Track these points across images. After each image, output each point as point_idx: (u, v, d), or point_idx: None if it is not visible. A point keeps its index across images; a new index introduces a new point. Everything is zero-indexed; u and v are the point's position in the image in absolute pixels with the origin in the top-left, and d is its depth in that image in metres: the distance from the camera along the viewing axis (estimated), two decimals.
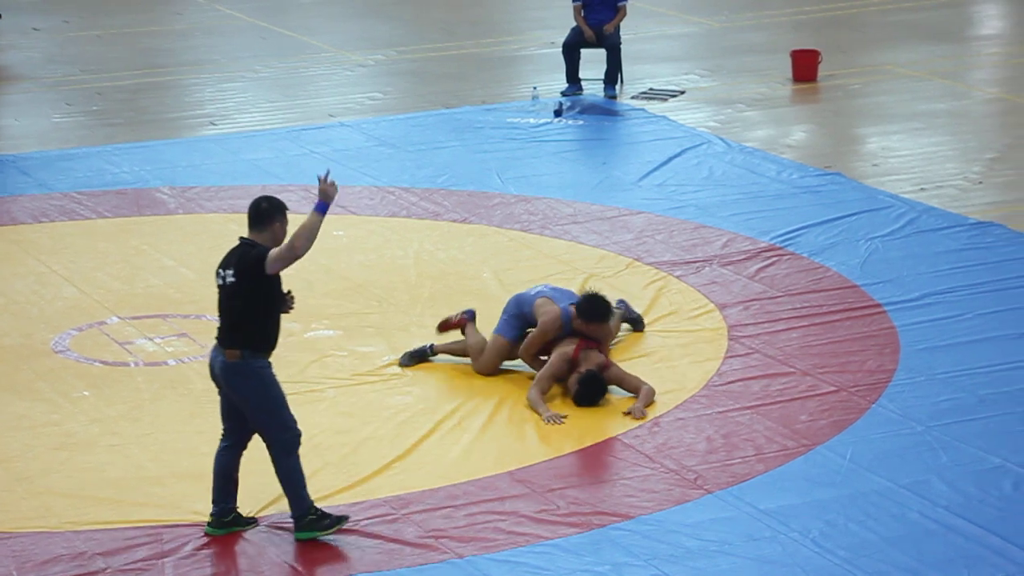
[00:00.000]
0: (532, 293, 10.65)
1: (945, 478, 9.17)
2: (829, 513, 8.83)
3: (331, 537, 8.67)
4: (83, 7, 22.42)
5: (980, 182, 14.60)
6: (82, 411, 10.24)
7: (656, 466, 9.40)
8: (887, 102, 17.26)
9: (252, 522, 8.77)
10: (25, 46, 20.27)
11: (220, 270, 8.59)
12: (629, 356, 10.86)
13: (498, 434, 9.88)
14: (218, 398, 8.74)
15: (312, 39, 20.39)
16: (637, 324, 11.25)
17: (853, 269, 12.29)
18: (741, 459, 9.45)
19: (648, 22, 20.68)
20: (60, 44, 20.42)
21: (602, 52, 17.36)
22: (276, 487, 9.16)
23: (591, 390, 10.11)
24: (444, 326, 10.93)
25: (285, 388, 10.43)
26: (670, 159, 15.08)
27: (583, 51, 17.39)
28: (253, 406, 8.53)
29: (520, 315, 10.60)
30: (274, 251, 8.44)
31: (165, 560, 8.52)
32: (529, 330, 10.61)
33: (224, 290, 8.54)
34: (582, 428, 9.92)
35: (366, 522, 8.83)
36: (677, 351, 10.95)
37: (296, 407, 10.18)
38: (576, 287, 11.51)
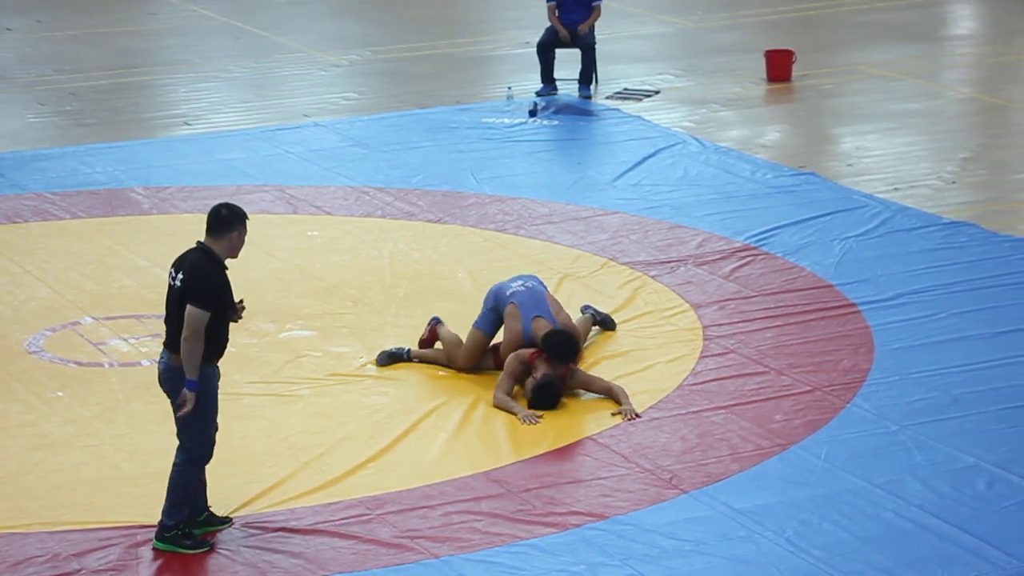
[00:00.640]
0: (507, 292, 10.62)
1: (919, 477, 9.19)
2: (804, 512, 8.85)
3: (306, 538, 8.65)
4: (56, 7, 22.34)
5: (954, 182, 14.65)
6: (56, 412, 10.21)
7: (631, 466, 9.41)
8: (861, 102, 17.30)
9: (227, 521, 8.74)
10: None
11: (172, 270, 8.50)
12: (603, 356, 10.87)
13: (474, 434, 9.88)
14: None
15: (286, 39, 20.36)
16: (607, 324, 11.25)
17: (827, 269, 12.31)
18: (716, 459, 9.46)
19: (623, 22, 20.70)
20: (33, 44, 20.34)
21: (577, 52, 17.36)
22: (248, 489, 9.15)
23: (546, 395, 10.08)
24: (423, 344, 10.93)
25: (259, 388, 10.45)
26: (645, 159, 15.10)
27: (558, 51, 17.40)
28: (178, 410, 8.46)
29: (496, 310, 10.61)
30: (192, 321, 8.24)
31: (139, 561, 8.49)
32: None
33: (173, 292, 8.46)
34: (558, 428, 9.92)
35: (341, 522, 8.82)
36: (652, 351, 10.96)
37: (271, 407, 10.19)
38: (552, 286, 11.51)
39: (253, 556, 8.54)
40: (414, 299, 11.86)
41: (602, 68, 17.74)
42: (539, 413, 10.02)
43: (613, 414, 10.03)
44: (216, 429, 8.58)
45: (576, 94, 17.28)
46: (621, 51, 19.36)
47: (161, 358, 8.53)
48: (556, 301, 10.70)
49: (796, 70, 17.99)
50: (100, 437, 9.87)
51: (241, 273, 12.30)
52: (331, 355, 10.96)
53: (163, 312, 11.59)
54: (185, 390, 8.33)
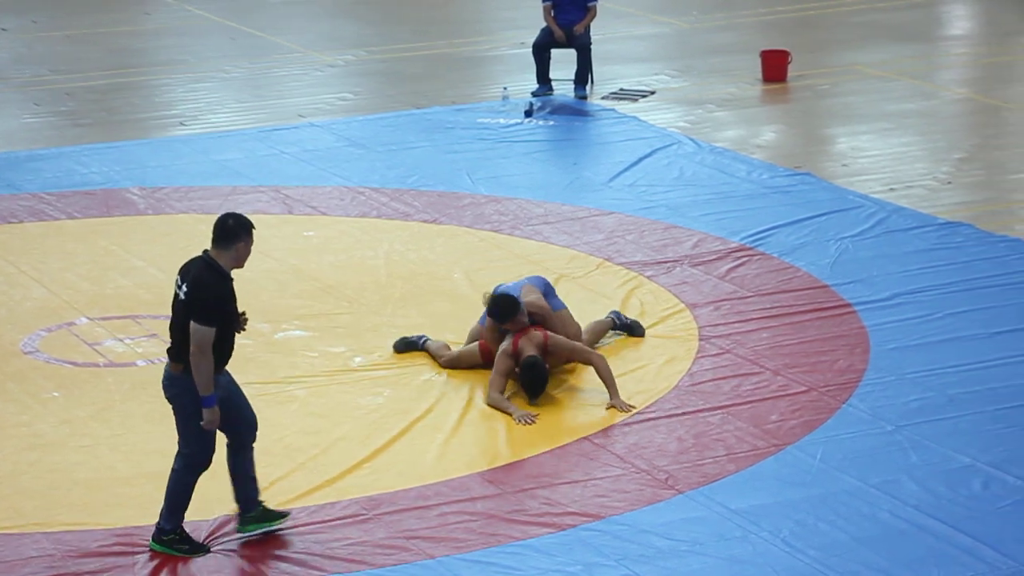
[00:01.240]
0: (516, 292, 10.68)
1: (915, 477, 9.20)
2: (800, 513, 8.85)
3: (302, 538, 8.65)
4: (52, 7, 22.33)
5: (949, 182, 14.65)
6: (52, 412, 10.20)
7: (627, 466, 9.41)
8: (856, 102, 17.31)
9: (283, 515, 8.66)
10: None
11: (178, 279, 8.49)
12: None
13: (469, 434, 9.88)
14: None
15: (282, 39, 20.36)
16: (635, 330, 11.19)
17: (823, 269, 12.32)
18: (712, 459, 9.46)
19: (618, 22, 20.70)
20: (28, 44, 20.33)
21: (572, 52, 17.37)
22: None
23: (532, 376, 10.11)
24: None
25: (255, 389, 10.43)
26: (641, 159, 15.10)
27: (554, 51, 17.40)
28: (182, 416, 8.43)
29: None
30: (197, 339, 8.20)
31: (136, 561, 8.49)
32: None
33: (178, 301, 8.44)
34: (553, 428, 9.92)
35: (337, 523, 8.82)
36: (648, 351, 10.96)
37: (266, 408, 10.17)
38: (553, 281, 11.49)
39: (249, 556, 8.53)
40: (410, 299, 11.86)
41: (598, 68, 17.74)
42: (534, 412, 10.02)
43: (608, 407, 10.04)
44: (214, 444, 8.50)
45: (572, 94, 17.28)
46: (617, 51, 19.36)
47: (166, 367, 8.51)
48: (534, 289, 10.70)
49: (792, 70, 18.00)
50: (95, 437, 9.86)
51: (236, 274, 12.30)
52: (327, 355, 10.95)
53: (158, 312, 11.66)
54: (204, 410, 8.29)
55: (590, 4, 17.29)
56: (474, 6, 23.12)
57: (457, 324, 11.06)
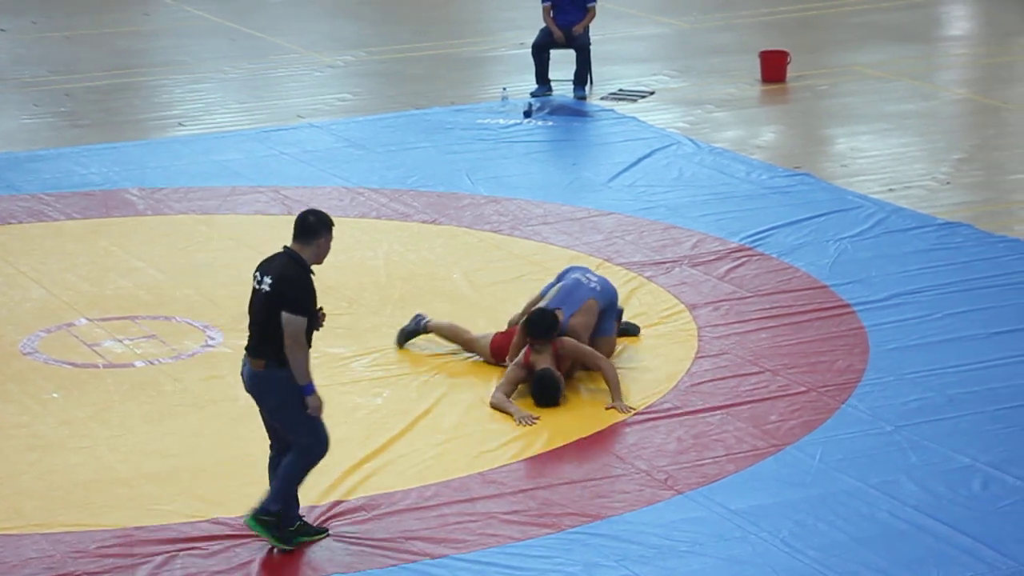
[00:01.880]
0: (587, 286, 10.69)
1: (914, 478, 9.20)
2: (799, 513, 8.85)
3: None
4: (51, 8, 22.33)
5: (948, 183, 14.66)
6: (51, 413, 10.20)
7: (627, 467, 9.41)
8: (856, 103, 17.31)
9: (322, 532, 8.65)
10: None
11: (258, 273, 8.46)
12: None
13: (469, 435, 9.87)
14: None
15: (281, 40, 20.36)
16: (630, 330, 11.21)
17: (822, 269, 12.32)
18: (711, 459, 9.47)
19: (617, 23, 20.70)
20: (27, 45, 20.33)
21: (572, 53, 17.37)
22: (246, 491, 9.14)
23: (543, 387, 10.10)
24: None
25: None
26: (640, 160, 15.10)
27: (553, 52, 17.40)
28: (280, 410, 8.45)
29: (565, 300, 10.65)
30: (291, 330, 8.26)
31: (135, 562, 8.49)
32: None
33: (259, 295, 8.40)
34: (553, 429, 9.92)
35: (337, 523, 8.82)
36: (647, 352, 10.96)
37: None
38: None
39: (250, 556, 8.53)
40: (409, 300, 11.86)
41: (597, 69, 17.74)
42: (536, 414, 10.02)
43: (607, 408, 10.04)
44: (325, 429, 8.53)
45: (571, 95, 17.28)
46: (616, 52, 19.36)
47: (244, 365, 8.48)
48: (593, 310, 10.62)
49: (791, 71, 18.00)
50: (95, 438, 9.86)
51: (235, 274, 12.34)
52: (327, 356, 10.95)
53: (158, 313, 11.66)
54: (308, 398, 8.34)
55: (589, 5, 17.29)
56: (473, 6, 23.12)
57: (459, 324, 11.05)
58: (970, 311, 11.50)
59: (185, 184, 14.55)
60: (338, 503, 9.00)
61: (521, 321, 10.49)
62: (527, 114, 16.54)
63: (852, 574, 8.29)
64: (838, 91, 17.70)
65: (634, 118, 16.52)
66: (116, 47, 20.28)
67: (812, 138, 16.49)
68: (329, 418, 10.07)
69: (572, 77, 17.36)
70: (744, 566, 8.38)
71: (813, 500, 8.98)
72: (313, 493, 9.10)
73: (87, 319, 11.62)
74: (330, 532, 8.69)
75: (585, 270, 11.08)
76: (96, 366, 10.87)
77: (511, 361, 10.39)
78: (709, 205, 13.82)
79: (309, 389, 8.37)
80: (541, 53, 17.32)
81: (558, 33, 17.22)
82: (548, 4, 17.31)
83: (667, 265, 12.46)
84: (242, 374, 8.54)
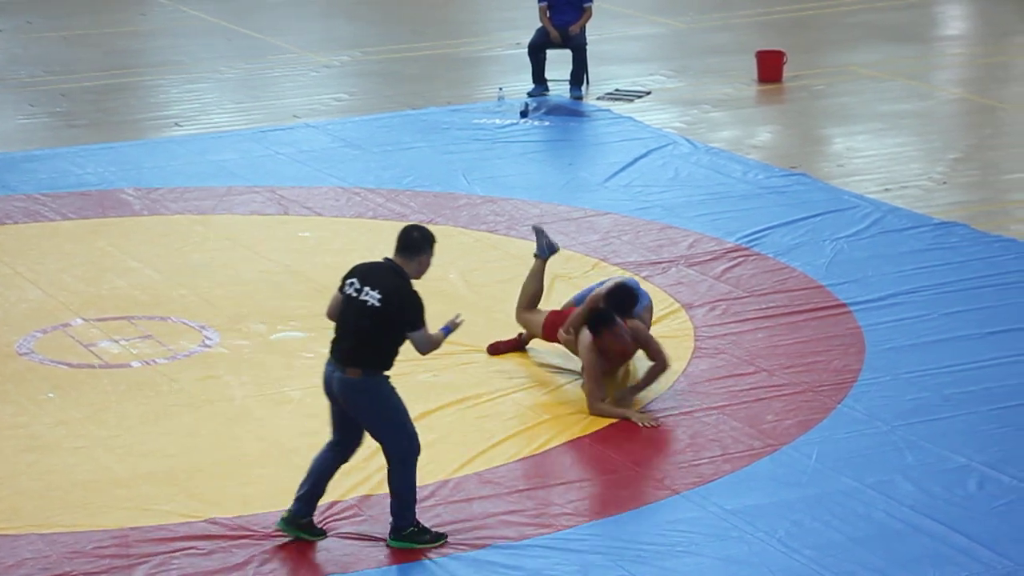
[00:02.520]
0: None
1: (910, 477, 9.21)
2: (795, 513, 8.86)
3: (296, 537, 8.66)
4: (47, 8, 22.33)
5: (944, 182, 14.67)
6: (48, 413, 10.20)
7: (623, 466, 9.42)
8: (852, 103, 17.32)
9: (320, 533, 8.66)
10: None
11: (358, 283, 8.45)
12: None
13: (465, 435, 9.87)
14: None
15: (277, 40, 20.35)
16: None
17: (819, 269, 12.33)
18: (708, 459, 9.47)
19: (614, 23, 20.71)
20: (24, 45, 20.32)
21: (568, 53, 17.38)
22: (241, 491, 9.14)
23: (623, 296, 10.02)
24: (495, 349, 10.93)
25: (251, 390, 10.46)
26: (636, 160, 15.11)
27: (549, 52, 17.41)
28: (373, 421, 8.48)
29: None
30: (423, 345, 8.49)
31: (132, 562, 8.49)
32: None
33: (361, 307, 8.39)
34: (549, 429, 9.92)
35: (333, 523, 8.82)
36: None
37: (262, 409, 10.19)
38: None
39: (246, 556, 8.53)
40: None
41: (593, 69, 17.75)
42: (656, 416, 9.93)
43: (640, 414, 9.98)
44: (414, 430, 8.57)
45: (567, 95, 17.29)
46: (612, 52, 19.37)
47: (334, 372, 8.49)
48: (647, 316, 10.60)
49: (787, 71, 18.01)
50: (91, 438, 9.86)
51: (232, 274, 12.35)
52: (322, 356, 10.88)
53: (154, 313, 11.66)
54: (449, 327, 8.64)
55: (586, 5, 17.30)
56: (470, 6, 23.13)
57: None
58: (966, 311, 11.51)
59: (181, 184, 14.54)
60: (335, 503, 9.00)
61: (600, 293, 10.24)
62: (523, 114, 16.54)
63: (848, 574, 8.30)
64: (834, 91, 17.71)
65: (630, 118, 16.52)
66: (112, 47, 20.28)
67: (808, 138, 16.50)
68: (325, 419, 10.09)
69: (568, 77, 17.37)
70: (740, 566, 8.39)
71: (809, 500, 8.99)
72: None
73: (83, 319, 11.62)
74: (327, 533, 8.69)
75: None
76: (92, 366, 10.86)
77: (565, 334, 10.30)
78: (705, 205, 13.83)
79: (447, 330, 8.66)
80: (537, 53, 17.33)
81: (554, 33, 17.23)
82: (544, 4, 17.32)
83: (663, 265, 12.46)
84: (327, 378, 8.52)
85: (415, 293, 8.46)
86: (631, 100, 17.33)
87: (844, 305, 11.64)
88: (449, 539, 8.61)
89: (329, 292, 11.99)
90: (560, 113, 16.73)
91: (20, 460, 9.61)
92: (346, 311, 8.46)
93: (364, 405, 8.44)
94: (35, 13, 21.95)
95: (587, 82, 17.53)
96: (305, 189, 14.36)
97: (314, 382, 10.54)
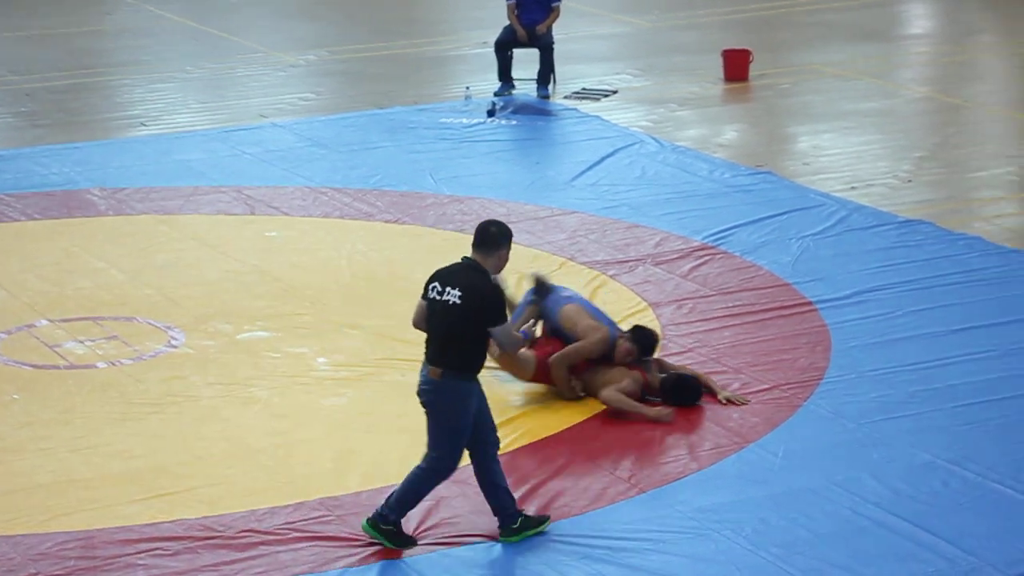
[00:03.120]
0: (562, 296, 10.44)
1: (876, 475, 9.24)
2: (762, 511, 8.87)
3: (266, 539, 8.63)
4: (9, 7, 22.22)
5: (909, 180, 14.72)
6: (12, 415, 10.15)
7: (591, 465, 9.42)
8: (817, 101, 17.38)
9: (411, 542, 8.59)
10: None
11: (439, 285, 8.48)
12: None
13: None
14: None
15: (243, 40, 20.31)
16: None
17: (785, 267, 12.36)
18: (674, 458, 9.48)
19: (580, 22, 20.73)
20: None
21: (535, 52, 17.38)
22: (208, 492, 9.12)
23: (683, 389, 10.06)
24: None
25: (217, 390, 10.43)
26: (603, 159, 15.12)
27: (517, 51, 17.41)
28: (437, 422, 8.46)
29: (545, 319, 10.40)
30: (505, 340, 8.46)
31: (97, 564, 8.46)
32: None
33: (445, 307, 8.40)
34: (516, 430, 9.91)
35: (301, 523, 8.80)
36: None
37: (229, 409, 10.16)
38: (511, 286, 11.49)
39: (214, 558, 8.51)
40: (373, 300, 11.85)
41: (560, 68, 17.76)
42: (668, 409, 9.95)
43: (724, 401, 10.03)
44: (461, 453, 8.51)
45: (534, 94, 17.29)
46: (579, 51, 19.39)
47: (422, 372, 8.49)
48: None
49: (753, 70, 18.05)
50: (57, 440, 9.82)
51: (198, 274, 12.32)
52: (289, 356, 10.93)
53: (119, 314, 11.62)
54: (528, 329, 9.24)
55: (554, 4, 17.31)
56: (437, 6, 23.11)
57: None
58: (931, 308, 11.55)
59: (147, 184, 14.50)
60: (302, 503, 8.98)
61: (631, 339, 10.16)
62: (490, 113, 16.54)
63: (814, 571, 8.32)
64: (800, 90, 17.76)
65: (597, 117, 16.54)
66: (77, 47, 20.20)
67: (774, 136, 16.54)
68: (292, 418, 10.07)
69: (535, 76, 17.38)
70: (707, 564, 8.40)
71: (776, 497, 9.01)
72: (274, 495, 9.09)
73: (48, 320, 11.57)
74: (294, 532, 8.68)
75: (563, 289, 10.75)
76: (58, 367, 10.82)
77: (562, 367, 10.15)
78: (672, 204, 13.85)
79: (526, 335, 9.15)
80: (504, 51, 17.33)
81: (522, 32, 17.24)
82: (513, 2, 17.32)
83: (630, 264, 12.48)
84: (421, 383, 8.52)
85: (496, 288, 8.49)
86: (598, 99, 17.35)
87: (810, 303, 11.67)
88: (418, 539, 8.61)
89: (297, 292, 12.03)
90: (527, 112, 16.73)
91: None
92: (432, 315, 8.52)
93: (435, 404, 8.45)
94: None
95: (554, 81, 17.54)
96: (271, 189, 14.33)
97: (281, 382, 10.55)
